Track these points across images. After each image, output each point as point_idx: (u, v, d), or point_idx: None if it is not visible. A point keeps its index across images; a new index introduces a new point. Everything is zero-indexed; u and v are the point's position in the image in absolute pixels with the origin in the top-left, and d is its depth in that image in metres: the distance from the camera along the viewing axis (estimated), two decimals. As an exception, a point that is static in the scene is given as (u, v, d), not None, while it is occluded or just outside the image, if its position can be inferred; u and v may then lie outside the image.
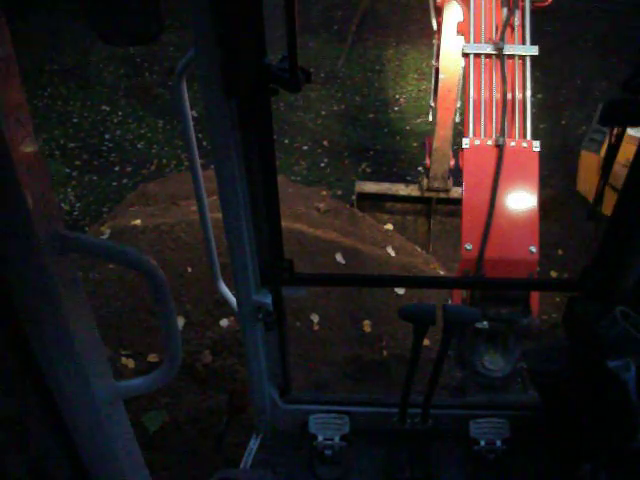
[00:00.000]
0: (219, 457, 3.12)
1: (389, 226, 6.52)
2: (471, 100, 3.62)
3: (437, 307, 2.23)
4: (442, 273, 5.83)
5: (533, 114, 3.65)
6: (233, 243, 2.08)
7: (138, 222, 5.24)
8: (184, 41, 10.80)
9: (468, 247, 3.27)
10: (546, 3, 4.60)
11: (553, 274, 6.20)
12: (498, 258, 3.24)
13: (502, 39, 3.68)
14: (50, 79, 10.61)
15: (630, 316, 1.99)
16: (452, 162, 6.24)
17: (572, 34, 10.44)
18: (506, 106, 3.50)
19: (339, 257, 5.15)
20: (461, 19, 4.24)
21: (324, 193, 6.83)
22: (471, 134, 3.54)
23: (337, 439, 2.65)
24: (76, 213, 7.79)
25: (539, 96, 9.00)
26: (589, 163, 5.98)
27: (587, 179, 6.09)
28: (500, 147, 3.37)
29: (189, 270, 4.71)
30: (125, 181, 8.45)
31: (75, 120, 9.75)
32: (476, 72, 3.69)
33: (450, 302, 3.62)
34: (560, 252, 6.55)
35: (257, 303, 2.27)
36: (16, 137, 0.95)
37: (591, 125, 6.14)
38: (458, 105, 5.73)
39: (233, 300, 2.39)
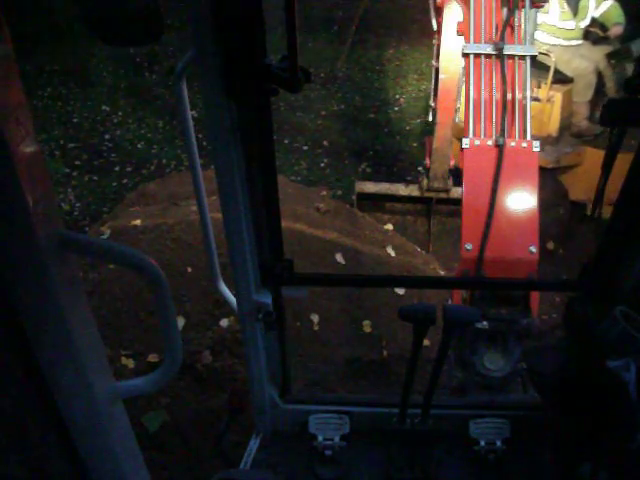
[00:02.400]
0: (219, 457, 3.11)
1: (389, 226, 6.52)
2: (471, 100, 3.62)
3: (437, 307, 2.23)
4: (442, 273, 5.83)
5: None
6: (233, 243, 2.08)
7: (138, 222, 5.24)
8: (184, 41, 10.80)
9: (468, 247, 3.27)
10: (546, 3, 4.59)
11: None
12: (498, 258, 3.24)
13: (502, 39, 3.68)
14: (50, 79, 10.61)
15: (630, 316, 1.99)
16: (452, 162, 6.24)
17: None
18: (506, 106, 3.50)
19: (339, 257, 5.15)
20: (461, 19, 4.24)
21: (324, 193, 6.83)
22: (471, 134, 3.54)
23: (337, 439, 2.65)
24: (76, 213, 7.79)
25: (539, 96, 8.99)
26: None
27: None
28: (500, 147, 3.37)
29: (189, 270, 4.71)
30: (125, 181, 8.44)
31: (75, 120, 9.75)
32: (476, 72, 3.69)
33: (450, 302, 3.62)
34: (561, 252, 6.56)
35: (257, 303, 2.27)
36: (16, 137, 0.95)
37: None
38: (458, 105, 5.74)
39: (233, 300, 2.39)
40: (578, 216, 6.45)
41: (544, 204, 5.65)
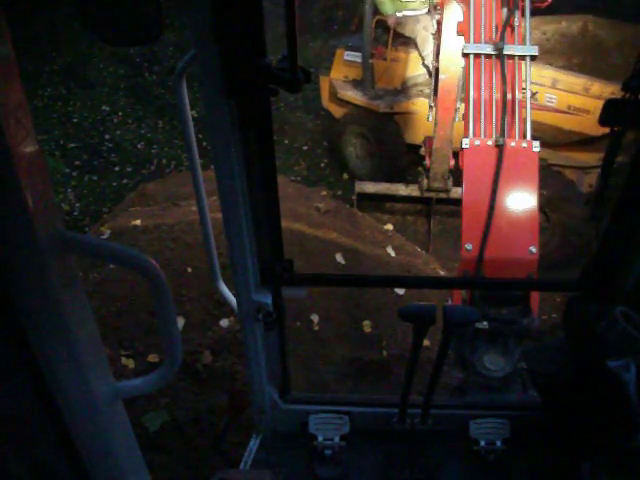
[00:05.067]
0: (219, 457, 3.12)
1: (389, 226, 6.53)
2: (471, 100, 3.62)
3: (437, 307, 2.23)
4: (442, 273, 5.83)
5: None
6: (233, 243, 2.08)
7: (138, 222, 5.24)
8: (184, 41, 10.81)
9: (468, 247, 3.27)
10: (546, 3, 4.61)
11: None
12: (498, 258, 3.24)
13: (502, 39, 3.68)
14: (50, 79, 10.61)
15: (630, 316, 1.99)
16: (452, 162, 6.25)
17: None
18: (506, 106, 3.50)
19: (339, 257, 5.15)
20: (461, 19, 4.24)
21: (324, 193, 6.83)
22: (471, 134, 3.54)
23: (337, 439, 2.65)
24: (76, 213, 7.80)
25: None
26: (324, 83, 8.35)
27: (324, 95, 8.44)
28: (500, 147, 3.37)
29: (189, 270, 4.71)
30: (125, 181, 8.45)
31: (75, 120, 9.75)
32: (476, 72, 3.69)
33: (450, 302, 3.62)
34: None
35: (257, 303, 2.27)
36: (16, 137, 0.95)
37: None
38: (458, 105, 5.74)
39: (233, 300, 2.39)
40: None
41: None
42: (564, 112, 6.56)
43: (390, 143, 7.68)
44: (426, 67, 7.37)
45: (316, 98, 9.90)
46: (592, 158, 6.62)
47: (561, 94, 6.55)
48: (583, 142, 6.65)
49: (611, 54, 8.09)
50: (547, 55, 7.84)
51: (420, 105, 7.36)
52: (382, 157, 7.77)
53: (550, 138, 6.20)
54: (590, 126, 6.36)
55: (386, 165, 7.79)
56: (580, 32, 8.44)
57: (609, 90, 6.20)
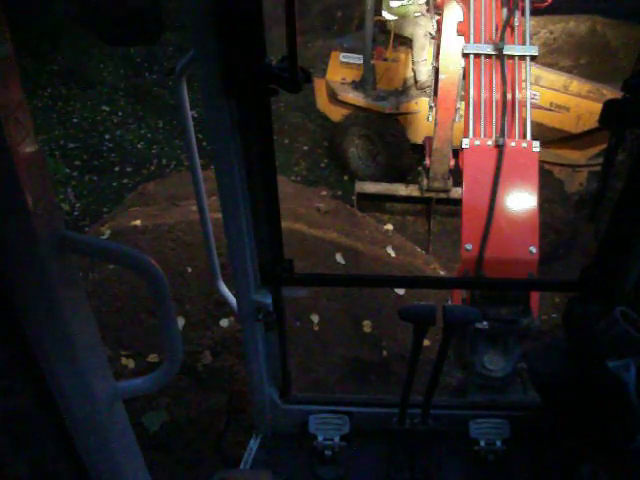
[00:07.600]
0: (219, 457, 3.12)
1: (389, 226, 6.53)
2: (471, 100, 3.63)
3: (437, 307, 2.23)
4: (442, 273, 5.84)
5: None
6: (233, 243, 2.08)
7: (138, 222, 5.24)
8: (184, 41, 10.81)
9: (468, 247, 3.27)
10: (546, 3, 4.61)
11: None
12: (498, 258, 3.24)
13: (502, 39, 3.68)
14: (50, 79, 10.61)
15: (630, 316, 1.99)
16: (452, 162, 6.26)
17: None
18: (506, 106, 3.51)
19: (339, 257, 5.15)
20: (461, 19, 4.24)
21: (324, 193, 6.83)
22: (471, 134, 3.54)
23: (337, 439, 2.65)
24: (76, 213, 7.79)
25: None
26: (319, 85, 8.29)
27: (320, 97, 8.42)
28: (500, 147, 3.37)
29: (189, 270, 4.71)
30: (125, 181, 8.45)
31: (75, 120, 9.75)
32: (476, 72, 3.69)
33: (450, 302, 3.62)
34: (560, 251, 6.56)
35: (257, 303, 2.27)
36: (16, 137, 0.95)
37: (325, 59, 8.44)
38: (458, 105, 5.75)
39: (233, 300, 2.39)
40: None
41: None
42: (546, 109, 6.62)
43: (394, 144, 7.67)
44: (414, 71, 7.44)
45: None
46: (581, 156, 6.64)
47: (543, 91, 6.59)
48: (564, 139, 6.68)
49: (618, 54, 8.10)
50: (554, 55, 7.83)
51: (423, 105, 7.37)
52: (386, 158, 7.77)
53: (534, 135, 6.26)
54: (570, 123, 6.42)
55: (390, 166, 7.78)
56: (588, 32, 8.44)
57: (586, 88, 6.29)
